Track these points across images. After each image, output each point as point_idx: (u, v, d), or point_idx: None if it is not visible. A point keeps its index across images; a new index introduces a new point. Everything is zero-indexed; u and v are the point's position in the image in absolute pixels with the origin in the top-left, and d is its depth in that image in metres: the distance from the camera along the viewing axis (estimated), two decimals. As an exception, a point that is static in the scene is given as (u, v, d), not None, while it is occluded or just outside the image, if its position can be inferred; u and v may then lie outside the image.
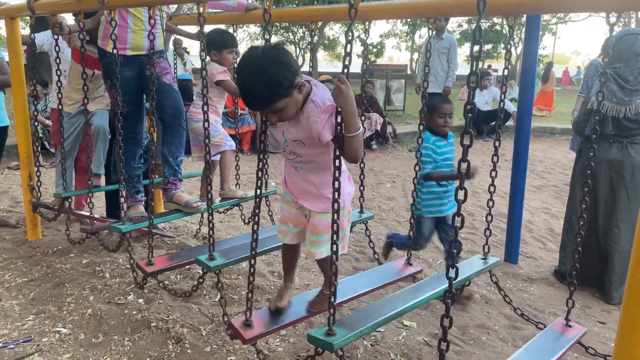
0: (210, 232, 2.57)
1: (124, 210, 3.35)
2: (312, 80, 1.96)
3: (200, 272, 2.68)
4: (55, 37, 3.28)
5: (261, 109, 1.88)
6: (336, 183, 1.79)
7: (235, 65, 2.88)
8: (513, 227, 4.03)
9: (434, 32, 7.66)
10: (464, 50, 29.34)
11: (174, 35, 4.12)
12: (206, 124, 2.52)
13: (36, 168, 3.87)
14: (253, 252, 2.11)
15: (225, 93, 3.34)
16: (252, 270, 2.13)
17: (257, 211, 2.10)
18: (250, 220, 3.88)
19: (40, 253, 3.76)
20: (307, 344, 2.77)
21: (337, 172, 1.79)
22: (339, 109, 1.77)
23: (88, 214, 3.53)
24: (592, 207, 3.49)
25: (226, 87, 3.21)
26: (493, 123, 10.00)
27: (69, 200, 3.65)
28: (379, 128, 8.62)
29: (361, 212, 3.16)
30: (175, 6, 4.16)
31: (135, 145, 3.31)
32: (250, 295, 2.15)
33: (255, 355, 2.61)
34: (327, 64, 43.76)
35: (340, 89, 1.74)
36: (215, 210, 4.02)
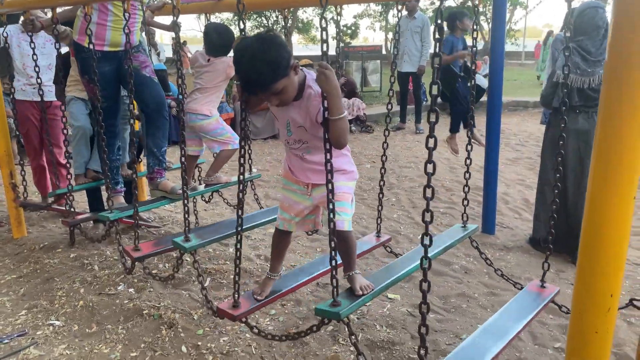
0: (186, 215, 2.65)
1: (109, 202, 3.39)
2: (303, 67, 2.04)
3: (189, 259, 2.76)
4: (30, 33, 3.28)
5: (263, 91, 1.92)
6: (328, 165, 1.88)
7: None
8: (488, 199, 4.17)
9: (406, 13, 7.73)
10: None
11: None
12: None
13: (20, 167, 3.89)
14: (239, 230, 2.19)
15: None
16: (238, 246, 2.22)
17: (241, 195, 2.18)
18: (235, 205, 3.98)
19: (27, 250, 3.79)
20: (296, 322, 2.88)
21: (328, 154, 1.88)
22: (324, 94, 1.85)
23: (72, 210, 3.56)
24: (562, 177, 3.64)
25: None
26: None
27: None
28: (361, 113, 8.70)
29: None
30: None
31: (113, 137, 3.36)
32: (237, 277, 2.24)
33: (246, 335, 2.72)
34: (302, 47, 43.54)
35: (325, 74, 1.81)
36: (199, 197, 4.12)
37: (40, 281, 3.32)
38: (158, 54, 11.05)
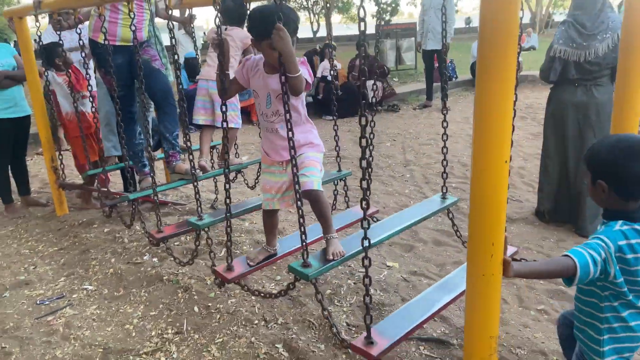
0: (197, 196, 2.95)
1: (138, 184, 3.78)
2: None
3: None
4: (58, 32, 3.65)
5: (292, 32, 2.17)
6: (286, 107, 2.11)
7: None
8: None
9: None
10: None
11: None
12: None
13: (58, 152, 4.33)
14: (228, 214, 2.49)
15: None
16: (228, 224, 2.51)
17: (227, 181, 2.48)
18: (255, 184, 4.30)
19: (68, 226, 4.24)
20: (298, 285, 3.15)
21: (286, 105, 2.10)
22: (280, 54, 2.05)
23: (106, 190, 3.96)
24: (563, 149, 3.74)
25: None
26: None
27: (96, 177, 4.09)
28: (380, 94, 8.82)
29: (339, 170, 3.47)
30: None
31: (133, 123, 3.71)
32: (229, 244, 2.54)
33: (252, 298, 3.03)
34: (342, 26, 43.34)
35: (280, 35, 2.03)
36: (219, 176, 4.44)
37: (77, 252, 3.75)
38: (194, 42, 11.54)
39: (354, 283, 3.16)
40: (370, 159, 3.24)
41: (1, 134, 4.44)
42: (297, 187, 2.21)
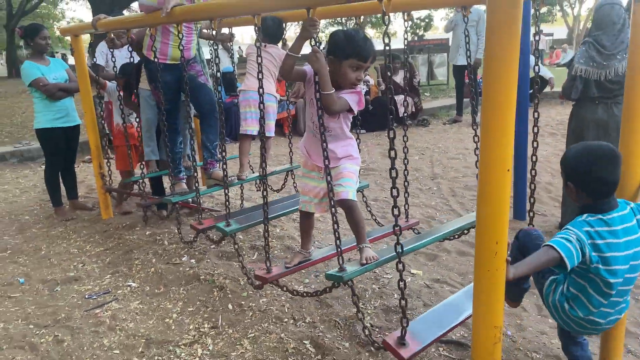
0: (227, 203, 3.25)
1: (172, 188, 4.05)
2: None
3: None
4: (111, 50, 3.98)
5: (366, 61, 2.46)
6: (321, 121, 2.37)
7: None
8: (518, 185, 4.40)
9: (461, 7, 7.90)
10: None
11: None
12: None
13: (106, 160, 4.66)
14: (265, 217, 2.71)
15: None
16: (266, 228, 2.74)
17: (264, 187, 2.74)
18: (281, 188, 4.54)
19: (113, 228, 4.54)
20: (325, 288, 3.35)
21: (319, 110, 2.37)
22: (315, 72, 2.34)
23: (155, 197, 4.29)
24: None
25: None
26: (530, 91, 10.13)
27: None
28: (411, 109, 8.97)
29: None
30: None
31: (175, 134, 4.00)
32: (267, 248, 2.77)
33: (282, 298, 3.23)
34: (376, 41, 43.70)
35: (316, 56, 2.31)
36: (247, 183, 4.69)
37: (121, 253, 4.03)
38: (231, 57, 11.95)
39: (378, 288, 3.32)
40: (406, 172, 3.44)
41: (55, 142, 4.81)
42: (331, 194, 2.42)
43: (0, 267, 3.88)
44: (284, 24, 3.87)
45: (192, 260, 3.78)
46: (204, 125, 3.90)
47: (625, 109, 1.99)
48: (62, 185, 5.07)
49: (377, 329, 2.87)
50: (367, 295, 3.24)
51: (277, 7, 2.60)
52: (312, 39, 2.38)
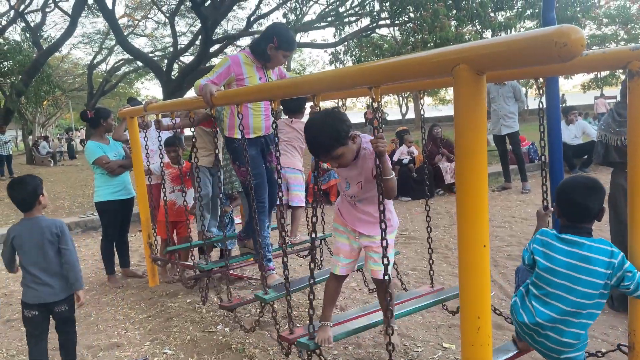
0: (263, 272, 3.36)
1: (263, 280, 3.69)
2: (360, 133, 2.58)
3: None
4: (158, 131, 4.36)
5: (324, 155, 2.43)
6: (381, 207, 2.29)
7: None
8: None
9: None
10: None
11: None
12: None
13: (154, 230, 4.97)
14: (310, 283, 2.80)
15: None
16: (288, 297, 2.81)
17: (313, 251, 2.80)
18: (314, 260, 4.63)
19: (157, 295, 4.76)
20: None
21: (381, 205, 2.28)
22: (378, 158, 2.30)
23: (191, 264, 4.46)
24: (622, 233, 3.70)
25: None
26: (585, 157, 9.87)
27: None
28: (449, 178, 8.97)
29: None
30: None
31: (265, 215, 3.78)
32: (289, 310, 2.84)
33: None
34: (431, 107, 44.16)
35: (380, 143, 2.26)
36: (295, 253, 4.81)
37: (162, 320, 4.20)
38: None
39: (407, 361, 3.27)
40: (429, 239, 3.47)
41: (112, 213, 5.19)
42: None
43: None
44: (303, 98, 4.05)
45: (227, 329, 3.88)
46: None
47: (630, 182, 2.00)
48: (116, 253, 5.40)
49: (400, 405, 2.81)
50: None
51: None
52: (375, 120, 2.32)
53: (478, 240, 1.51)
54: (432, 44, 11.40)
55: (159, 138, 4.40)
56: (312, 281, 2.73)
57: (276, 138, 2.81)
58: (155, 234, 4.98)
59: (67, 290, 3.14)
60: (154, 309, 4.46)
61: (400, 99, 40.44)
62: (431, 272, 3.59)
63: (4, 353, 3.79)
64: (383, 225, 2.27)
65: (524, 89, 26.40)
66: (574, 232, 2.25)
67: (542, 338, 2.29)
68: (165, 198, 4.50)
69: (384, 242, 2.30)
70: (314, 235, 2.65)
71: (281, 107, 4.39)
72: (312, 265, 2.74)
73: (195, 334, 3.84)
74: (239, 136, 3.35)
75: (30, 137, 27.97)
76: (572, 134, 9.98)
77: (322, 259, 4.67)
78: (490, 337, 1.57)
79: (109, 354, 3.69)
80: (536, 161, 10.31)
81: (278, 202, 3.81)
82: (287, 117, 4.30)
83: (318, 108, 2.54)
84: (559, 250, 2.24)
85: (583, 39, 1.25)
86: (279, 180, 2.97)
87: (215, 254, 5.47)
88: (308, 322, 2.82)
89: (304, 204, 4.18)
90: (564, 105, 27.70)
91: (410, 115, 39.72)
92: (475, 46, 1.49)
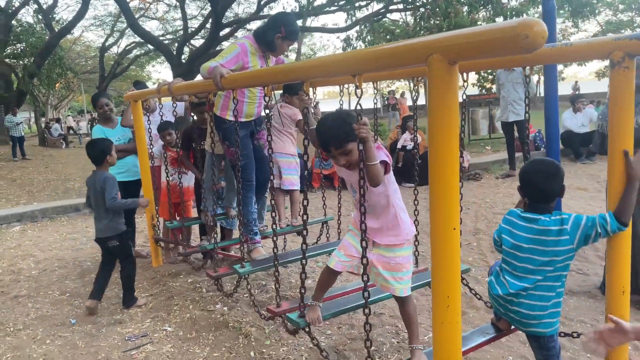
0: (242, 247, 3.60)
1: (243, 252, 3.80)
2: None
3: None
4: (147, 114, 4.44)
5: (336, 146, 2.42)
6: (362, 191, 2.35)
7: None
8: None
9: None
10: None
11: None
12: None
13: (156, 211, 5.09)
14: (275, 262, 2.90)
15: None
16: (276, 273, 2.90)
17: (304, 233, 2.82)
18: (317, 240, 4.72)
19: (160, 275, 4.89)
20: (345, 341, 3.43)
21: (362, 190, 2.33)
22: (361, 143, 2.28)
23: (194, 245, 4.60)
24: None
25: (301, 126, 3.82)
26: (591, 145, 9.79)
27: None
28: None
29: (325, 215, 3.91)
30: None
31: (252, 192, 3.96)
32: (277, 285, 2.93)
33: (302, 348, 3.35)
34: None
35: (366, 128, 2.25)
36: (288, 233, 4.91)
37: (164, 298, 4.33)
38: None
39: (397, 342, 3.36)
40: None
41: (114, 194, 5.31)
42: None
43: (58, 309, 4.28)
44: None
45: (225, 308, 4.00)
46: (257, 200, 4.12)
47: (609, 168, 2.05)
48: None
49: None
50: (384, 349, 3.29)
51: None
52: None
53: (448, 223, 1.58)
54: (445, 29, 11.32)
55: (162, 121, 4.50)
56: (304, 262, 2.81)
57: (268, 118, 2.93)
58: (157, 216, 5.09)
59: (113, 230, 4.07)
60: (156, 288, 4.59)
61: (411, 83, 40.17)
62: (416, 252, 3.63)
63: (12, 327, 3.94)
64: (362, 209, 2.37)
65: (535, 76, 25.95)
66: (533, 210, 2.42)
67: (515, 306, 2.45)
68: (168, 178, 4.59)
69: (394, 262, 2.59)
70: (305, 217, 2.73)
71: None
72: (304, 247, 2.81)
73: (195, 312, 3.97)
74: (230, 118, 3.58)
75: (42, 119, 28.28)
76: (579, 122, 9.93)
77: (326, 237, 4.71)
78: (459, 315, 1.64)
79: (112, 330, 3.82)
80: (542, 149, 10.28)
81: (270, 185, 3.94)
82: (282, 100, 4.38)
83: (309, 95, 2.61)
84: (521, 228, 2.43)
85: (544, 31, 1.30)
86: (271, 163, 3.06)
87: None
88: (299, 299, 2.90)
89: (297, 187, 4.26)
90: (576, 92, 27.38)
91: (421, 101, 39.47)
92: (448, 37, 1.54)
